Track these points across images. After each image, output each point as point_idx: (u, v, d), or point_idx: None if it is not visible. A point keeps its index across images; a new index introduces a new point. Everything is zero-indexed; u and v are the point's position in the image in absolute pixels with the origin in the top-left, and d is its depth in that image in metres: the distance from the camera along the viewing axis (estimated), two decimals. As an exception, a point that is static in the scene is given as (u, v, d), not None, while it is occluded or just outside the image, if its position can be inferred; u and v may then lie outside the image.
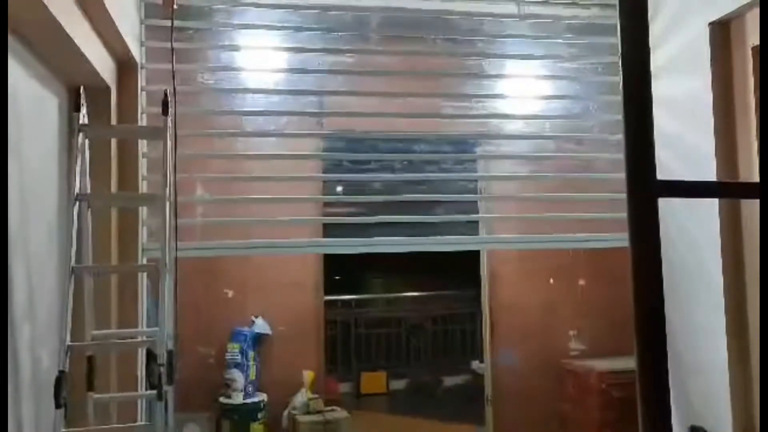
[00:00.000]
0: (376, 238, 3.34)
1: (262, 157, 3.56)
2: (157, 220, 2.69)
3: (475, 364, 6.96)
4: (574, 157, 3.66)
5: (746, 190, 1.29)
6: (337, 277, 7.05)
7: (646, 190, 0.89)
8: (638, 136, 0.91)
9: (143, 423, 2.81)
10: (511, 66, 3.67)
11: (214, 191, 3.88)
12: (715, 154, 2.78)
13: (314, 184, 4.24)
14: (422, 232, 3.41)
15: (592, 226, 3.47)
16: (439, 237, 3.41)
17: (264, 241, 3.40)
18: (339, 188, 5.17)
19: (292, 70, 3.48)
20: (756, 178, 2.59)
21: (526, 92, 3.73)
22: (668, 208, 2.92)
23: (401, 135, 3.63)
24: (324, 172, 4.07)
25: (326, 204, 4.51)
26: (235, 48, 3.38)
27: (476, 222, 4.06)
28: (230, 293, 4.56)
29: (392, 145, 3.63)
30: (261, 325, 4.50)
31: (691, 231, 2.98)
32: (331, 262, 5.06)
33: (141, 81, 2.99)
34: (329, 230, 4.05)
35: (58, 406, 2.13)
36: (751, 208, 2.71)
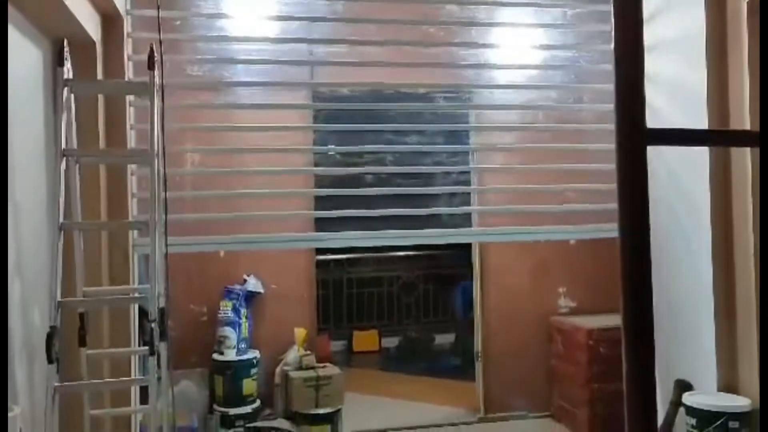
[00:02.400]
0: (370, 232, 3.35)
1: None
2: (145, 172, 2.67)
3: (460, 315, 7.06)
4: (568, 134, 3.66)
5: (738, 139, 1.28)
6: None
7: (635, 137, 0.88)
8: (628, 83, 0.90)
9: (136, 377, 2.84)
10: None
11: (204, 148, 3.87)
12: (707, 104, 2.77)
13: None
14: (417, 223, 3.43)
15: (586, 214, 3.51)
16: (433, 230, 3.44)
17: (257, 236, 3.35)
18: (330, 147, 5.14)
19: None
20: (747, 127, 2.58)
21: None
22: (658, 158, 2.93)
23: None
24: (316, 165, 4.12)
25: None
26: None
27: (469, 204, 4.10)
28: (222, 252, 4.56)
29: (384, 136, 3.62)
30: (253, 284, 4.52)
31: (681, 183, 2.99)
32: (323, 221, 5.04)
33: (126, 34, 2.93)
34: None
35: (50, 361, 2.15)
36: (741, 159, 2.71)
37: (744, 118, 2.65)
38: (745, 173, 2.69)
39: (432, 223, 3.52)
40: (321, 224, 3.78)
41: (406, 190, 3.46)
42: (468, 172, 4.13)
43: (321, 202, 3.97)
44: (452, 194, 4.24)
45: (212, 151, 3.83)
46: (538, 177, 3.83)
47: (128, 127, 2.92)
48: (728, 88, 2.74)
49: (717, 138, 1.41)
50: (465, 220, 4.25)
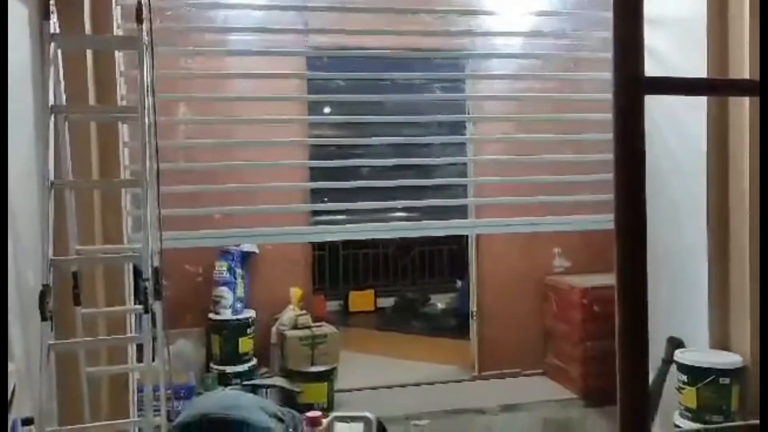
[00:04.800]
0: (369, 224, 3.37)
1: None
2: (137, 138, 2.63)
3: (460, 284, 7.07)
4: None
5: (737, 88, 1.25)
6: (325, 199, 7.05)
7: (632, 86, 0.86)
8: (626, 31, 0.87)
9: (129, 335, 2.84)
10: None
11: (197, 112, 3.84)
12: (707, 57, 2.73)
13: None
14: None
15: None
16: (430, 222, 3.45)
17: (252, 230, 3.43)
18: (326, 110, 5.09)
19: None
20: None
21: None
22: (655, 118, 2.90)
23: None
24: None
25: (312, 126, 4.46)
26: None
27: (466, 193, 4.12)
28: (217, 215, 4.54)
29: (382, 128, 3.60)
30: (248, 244, 4.51)
31: (678, 142, 2.97)
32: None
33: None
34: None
35: (44, 318, 2.15)
36: (740, 120, 2.68)
37: (744, 71, 2.62)
38: (743, 133, 2.67)
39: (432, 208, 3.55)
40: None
41: (403, 183, 3.48)
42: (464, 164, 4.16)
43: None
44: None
45: (207, 110, 3.78)
46: (535, 168, 3.82)
47: (118, 84, 2.87)
48: (728, 47, 2.70)
49: (715, 87, 1.37)
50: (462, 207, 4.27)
